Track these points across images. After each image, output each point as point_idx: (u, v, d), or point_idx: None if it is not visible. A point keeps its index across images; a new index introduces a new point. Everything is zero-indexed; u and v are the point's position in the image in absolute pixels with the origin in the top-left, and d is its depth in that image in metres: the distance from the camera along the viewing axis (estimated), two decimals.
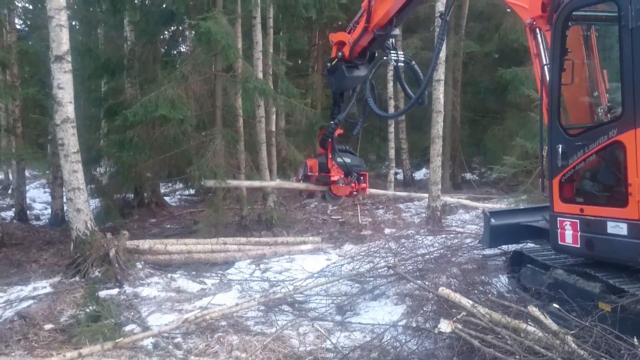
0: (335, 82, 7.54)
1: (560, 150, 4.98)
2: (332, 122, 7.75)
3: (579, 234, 4.91)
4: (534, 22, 5.25)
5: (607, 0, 4.88)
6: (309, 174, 8.00)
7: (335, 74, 7.45)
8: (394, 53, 7.09)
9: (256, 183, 11.25)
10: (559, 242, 5.12)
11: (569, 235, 5.00)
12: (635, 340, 3.90)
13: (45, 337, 6.01)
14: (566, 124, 5.32)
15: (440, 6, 11.47)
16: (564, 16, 4.89)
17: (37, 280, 8.06)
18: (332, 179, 7.91)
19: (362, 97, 7.36)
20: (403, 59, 7.13)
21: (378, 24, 6.86)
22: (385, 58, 7.22)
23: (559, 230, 5.09)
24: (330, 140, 7.81)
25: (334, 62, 7.45)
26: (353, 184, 7.98)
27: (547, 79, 5.16)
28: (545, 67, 5.20)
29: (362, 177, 8.14)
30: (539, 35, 5.29)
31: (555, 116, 5.08)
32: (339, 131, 7.85)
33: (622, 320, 4.21)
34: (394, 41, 7.35)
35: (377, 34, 6.96)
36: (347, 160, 8.00)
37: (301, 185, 8.27)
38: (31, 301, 7.15)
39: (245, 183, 11.04)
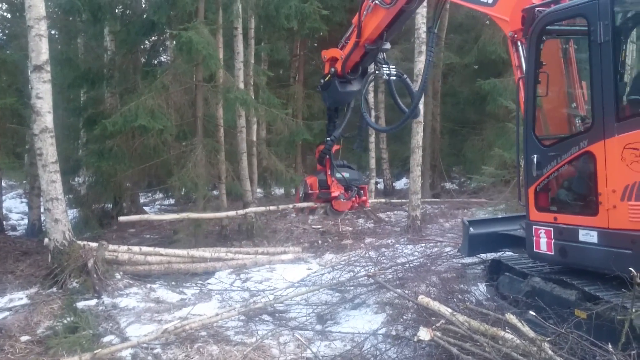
0: (329, 97, 7.62)
1: (535, 160, 5.09)
2: (328, 139, 7.81)
3: (553, 241, 5.02)
4: (515, 35, 5.36)
5: (577, 16, 5.00)
6: (310, 191, 8.06)
7: (328, 90, 7.53)
8: (385, 67, 7.17)
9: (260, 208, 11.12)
10: (535, 250, 5.23)
11: (543, 243, 5.11)
12: (610, 346, 3.97)
13: (21, 349, 5.92)
14: (547, 134, 5.43)
15: (420, 19, 11.64)
16: (538, 30, 5.02)
17: (14, 291, 7.94)
18: (333, 194, 7.97)
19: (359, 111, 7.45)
20: (395, 72, 7.20)
21: (369, 38, 6.95)
22: (377, 72, 7.30)
23: (534, 238, 5.20)
24: (328, 157, 7.88)
25: (327, 77, 7.53)
26: (354, 198, 8.06)
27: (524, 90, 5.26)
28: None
29: (362, 191, 8.22)
30: (520, 48, 5.41)
31: (530, 127, 5.19)
32: (336, 147, 7.93)
33: (597, 327, 4.28)
34: (385, 55, 7.43)
35: (369, 48, 7.05)
36: (346, 175, 8.08)
37: (302, 204, 8.36)
38: (7, 313, 7.05)
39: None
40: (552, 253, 5.03)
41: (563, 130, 5.69)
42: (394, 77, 7.21)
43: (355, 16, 7.08)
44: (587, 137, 4.70)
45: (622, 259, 4.34)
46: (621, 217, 4.42)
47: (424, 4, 10.71)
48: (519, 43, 5.38)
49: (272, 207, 10.45)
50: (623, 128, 4.40)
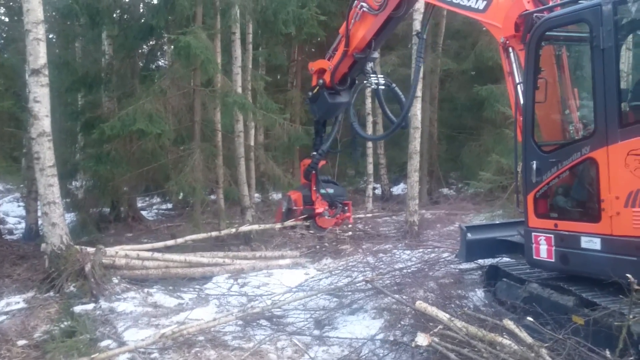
0: (318, 109, 7.60)
1: (534, 166, 5.08)
2: (315, 154, 7.79)
3: (554, 248, 5.01)
4: (507, 42, 5.37)
5: (579, 22, 5.01)
6: (294, 207, 8.04)
7: (317, 102, 7.51)
8: (374, 76, 7.17)
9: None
10: (534, 257, 5.21)
11: (543, 250, 5.09)
12: (607, 352, 3.98)
13: (18, 354, 5.90)
14: (539, 141, 5.44)
15: (418, 25, 11.67)
16: (537, 36, 5.01)
17: (10, 295, 7.91)
18: (317, 211, 7.96)
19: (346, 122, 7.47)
20: (383, 82, 7.21)
21: (357, 47, 6.96)
22: (365, 82, 7.30)
23: (533, 245, 5.19)
24: (314, 172, 7.87)
25: (315, 90, 7.52)
26: (338, 215, 8.06)
27: (521, 96, 5.27)
28: (519, 85, 5.32)
29: (346, 207, 8.22)
30: (511, 54, 5.42)
31: (529, 133, 5.19)
32: (322, 162, 7.92)
33: (595, 333, 4.30)
34: (373, 65, 7.44)
35: (357, 57, 7.05)
36: (331, 190, 8.07)
37: (289, 223, 8.37)
38: (4, 317, 7.02)
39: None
40: (553, 260, 5.02)
41: (563, 137, 5.69)
42: (382, 87, 7.22)
43: (342, 25, 7.09)
44: (590, 143, 4.69)
45: (625, 265, 4.34)
46: (625, 223, 4.43)
47: (420, 10, 10.79)
48: (510, 49, 5.40)
49: (251, 227, 10.58)
50: (626, 134, 4.41)
